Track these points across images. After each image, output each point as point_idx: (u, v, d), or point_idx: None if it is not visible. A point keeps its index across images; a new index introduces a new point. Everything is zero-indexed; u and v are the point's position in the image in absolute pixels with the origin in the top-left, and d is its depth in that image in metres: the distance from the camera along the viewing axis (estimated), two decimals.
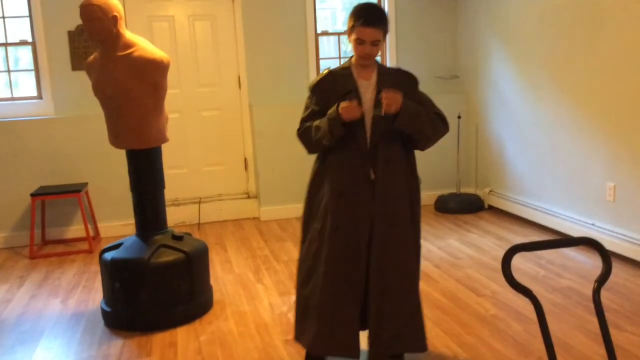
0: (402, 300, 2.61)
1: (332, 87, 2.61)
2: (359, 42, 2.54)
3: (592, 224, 4.31)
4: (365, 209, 2.58)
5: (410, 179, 2.67)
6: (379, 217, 2.58)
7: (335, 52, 5.84)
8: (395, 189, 2.60)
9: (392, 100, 2.48)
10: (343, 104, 2.50)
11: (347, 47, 5.96)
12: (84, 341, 3.23)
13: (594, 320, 2.95)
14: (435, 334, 3.09)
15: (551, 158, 4.78)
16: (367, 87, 2.62)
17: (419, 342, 2.67)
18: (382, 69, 2.68)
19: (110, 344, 3.18)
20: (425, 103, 2.64)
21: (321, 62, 5.74)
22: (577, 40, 4.37)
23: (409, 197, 2.65)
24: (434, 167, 5.83)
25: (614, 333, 2.86)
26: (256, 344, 3.09)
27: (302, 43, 5.63)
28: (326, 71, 2.69)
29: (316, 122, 2.59)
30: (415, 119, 2.54)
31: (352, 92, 2.57)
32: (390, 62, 5.78)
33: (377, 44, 2.54)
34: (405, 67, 6.70)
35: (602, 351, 2.53)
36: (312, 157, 2.75)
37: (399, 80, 2.63)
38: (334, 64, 5.88)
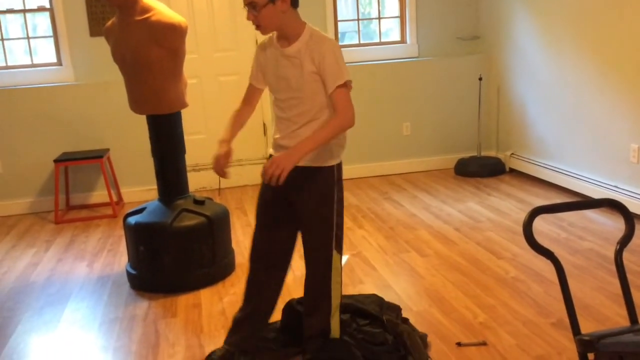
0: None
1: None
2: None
3: (615, 186, 4.26)
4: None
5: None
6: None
7: (353, 13, 5.75)
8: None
9: (276, 170, 2.34)
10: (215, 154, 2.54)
11: (365, 9, 5.86)
12: (110, 303, 3.32)
13: (615, 281, 2.94)
14: (455, 296, 3.12)
15: (574, 119, 4.70)
16: (285, 55, 2.37)
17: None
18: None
19: (136, 305, 3.26)
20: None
21: (339, 24, 5.66)
22: None
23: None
24: (454, 130, 5.79)
25: (635, 294, 2.86)
26: (277, 305, 3.13)
27: (319, 4, 5.54)
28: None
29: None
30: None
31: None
32: (410, 24, 5.68)
33: (256, 7, 2.21)
34: (426, 28, 6.49)
35: (623, 312, 2.53)
36: None
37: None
38: (352, 26, 5.80)
